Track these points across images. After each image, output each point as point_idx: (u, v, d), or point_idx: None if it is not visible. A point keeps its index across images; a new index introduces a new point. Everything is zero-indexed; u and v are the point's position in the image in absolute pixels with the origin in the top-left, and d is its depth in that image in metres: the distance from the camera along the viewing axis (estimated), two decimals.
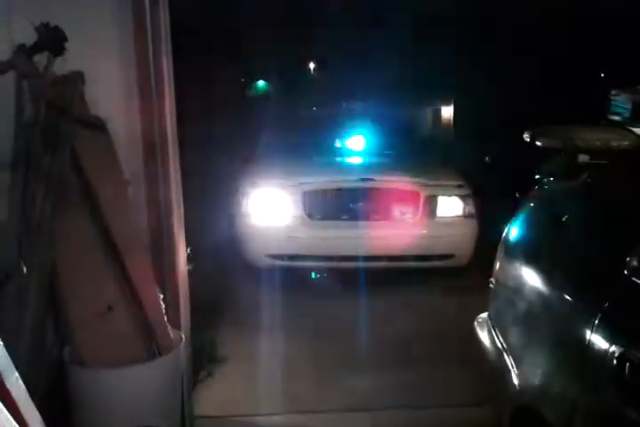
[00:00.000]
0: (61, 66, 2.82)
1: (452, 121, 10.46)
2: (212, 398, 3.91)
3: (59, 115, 2.72)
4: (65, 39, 2.59)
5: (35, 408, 1.63)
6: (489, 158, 7.64)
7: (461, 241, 5.75)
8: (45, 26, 2.55)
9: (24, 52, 2.61)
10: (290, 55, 14.80)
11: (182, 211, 3.35)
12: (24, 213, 2.71)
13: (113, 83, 3.10)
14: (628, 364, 1.92)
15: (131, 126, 3.10)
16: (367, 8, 12.50)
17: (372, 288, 5.60)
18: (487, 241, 4.48)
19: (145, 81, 3.06)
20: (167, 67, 3.13)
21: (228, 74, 13.14)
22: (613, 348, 1.98)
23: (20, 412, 1.52)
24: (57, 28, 2.58)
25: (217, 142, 9.48)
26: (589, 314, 2.13)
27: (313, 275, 5.95)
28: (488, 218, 5.51)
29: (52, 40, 2.57)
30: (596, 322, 2.08)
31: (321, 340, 4.72)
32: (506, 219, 3.42)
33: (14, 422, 1.46)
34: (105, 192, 2.92)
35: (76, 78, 2.90)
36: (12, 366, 1.53)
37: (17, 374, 1.54)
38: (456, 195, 5.83)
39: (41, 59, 2.77)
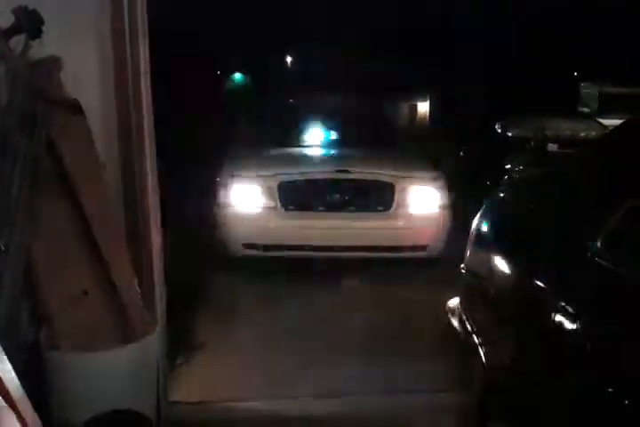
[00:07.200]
0: (38, 51, 2.83)
1: (427, 115, 10.59)
2: (188, 383, 3.93)
3: (35, 98, 2.73)
4: (42, 22, 2.60)
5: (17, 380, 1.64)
6: (463, 152, 7.74)
7: (435, 232, 5.83)
8: (23, 9, 2.56)
9: (1, 34, 2.61)
10: (267, 48, 14.82)
11: (158, 195, 3.36)
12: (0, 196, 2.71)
13: (89, 68, 3.11)
14: (590, 342, 2.00)
15: (107, 111, 3.11)
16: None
17: (347, 278, 5.68)
18: (460, 231, 4.55)
19: (121, 66, 3.07)
20: (144, 52, 3.14)
21: (205, 66, 13.08)
22: (578, 326, 2.06)
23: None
24: (34, 11, 2.59)
25: (193, 136, 9.47)
26: (555, 294, 2.20)
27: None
28: (461, 209, 5.59)
29: (30, 23, 2.57)
30: (562, 302, 2.15)
31: (293, 328, 4.76)
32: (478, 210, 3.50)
33: None
34: (81, 176, 2.92)
35: (54, 63, 2.90)
36: None
37: None
38: (430, 187, 5.91)
39: (17, 44, 2.77)
